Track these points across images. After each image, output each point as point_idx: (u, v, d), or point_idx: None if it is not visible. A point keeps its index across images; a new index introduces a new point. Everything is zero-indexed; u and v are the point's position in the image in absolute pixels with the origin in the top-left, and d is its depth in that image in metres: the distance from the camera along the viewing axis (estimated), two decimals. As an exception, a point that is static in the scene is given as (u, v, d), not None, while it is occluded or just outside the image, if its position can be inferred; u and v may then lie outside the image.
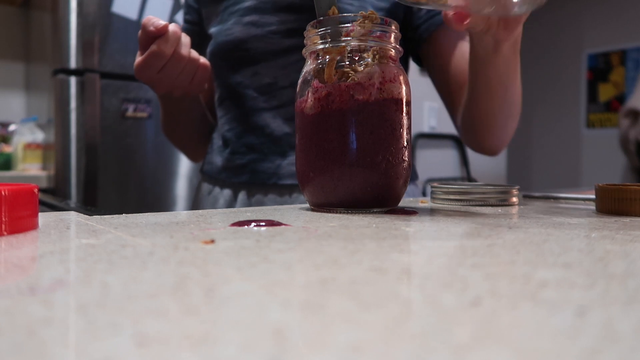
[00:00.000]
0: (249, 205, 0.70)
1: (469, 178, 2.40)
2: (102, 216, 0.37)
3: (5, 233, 0.28)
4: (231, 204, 0.72)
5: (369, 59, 0.41)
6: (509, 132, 0.69)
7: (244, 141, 0.72)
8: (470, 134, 0.69)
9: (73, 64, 1.44)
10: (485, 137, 0.68)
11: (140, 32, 0.60)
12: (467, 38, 0.63)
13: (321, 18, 0.42)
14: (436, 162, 2.29)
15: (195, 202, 0.81)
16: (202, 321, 0.14)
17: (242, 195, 0.71)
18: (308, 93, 0.42)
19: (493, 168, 2.55)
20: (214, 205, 0.74)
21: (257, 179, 0.69)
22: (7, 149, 1.74)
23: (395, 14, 0.70)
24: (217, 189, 0.75)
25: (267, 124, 0.70)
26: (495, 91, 0.61)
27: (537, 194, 0.62)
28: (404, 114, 0.42)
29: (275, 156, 0.69)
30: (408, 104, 0.43)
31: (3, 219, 0.28)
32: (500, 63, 0.57)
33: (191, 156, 0.91)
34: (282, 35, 0.68)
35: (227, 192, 0.73)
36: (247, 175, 0.70)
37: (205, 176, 0.79)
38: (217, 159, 0.75)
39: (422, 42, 0.72)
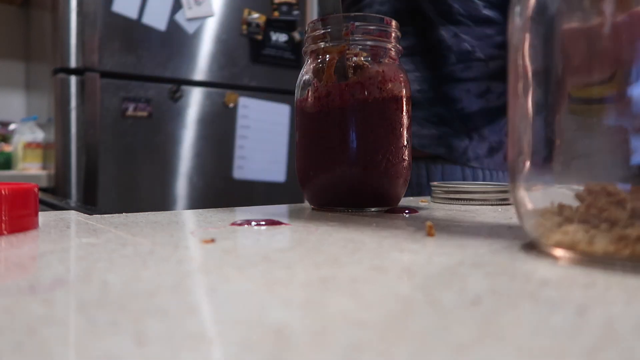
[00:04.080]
0: (443, 179, 0.66)
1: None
2: (102, 215, 0.37)
3: (5, 232, 0.28)
4: (420, 179, 0.67)
5: (369, 59, 0.41)
6: None
7: (436, 110, 0.67)
8: None
9: (73, 63, 1.44)
10: None
11: None
12: None
13: (324, 17, 0.42)
14: (436, 161, 2.29)
15: None
16: (202, 320, 0.14)
17: (437, 170, 0.66)
18: (308, 92, 0.42)
19: (493, 167, 2.55)
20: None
21: (452, 156, 0.66)
22: (7, 148, 1.75)
23: None
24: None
25: (460, 98, 0.66)
26: None
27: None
28: (404, 113, 0.42)
29: (463, 135, 0.67)
30: (408, 103, 0.43)
31: (3, 218, 0.28)
32: None
33: None
34: (483, 4, 0.66)
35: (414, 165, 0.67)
36: (443, 149, 0.66)
37: None
38: None
39: None
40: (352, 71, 0.41)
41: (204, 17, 1.62)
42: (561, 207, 0.23)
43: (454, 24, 0.67)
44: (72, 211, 0.40)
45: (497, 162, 0.69)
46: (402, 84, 0.42)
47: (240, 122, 1.70)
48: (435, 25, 0.66)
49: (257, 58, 1.74)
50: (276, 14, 1.77)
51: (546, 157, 0.23)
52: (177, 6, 1.58)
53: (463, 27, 0.66)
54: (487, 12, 0.66)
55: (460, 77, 0.67)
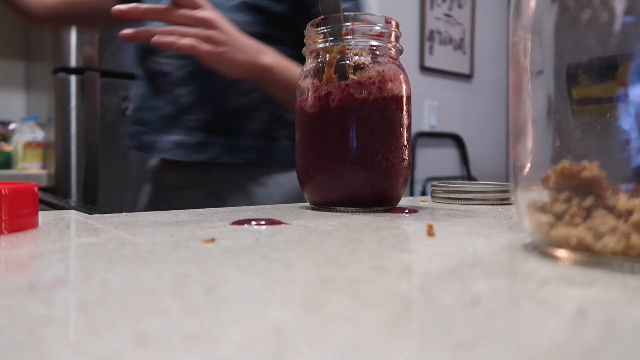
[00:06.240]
0: None
1: (469, 177, 2.40)
2: (102, 215, 0.37)
3: (5, 232, 0.28)
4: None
5: (369, 58, 0.41)
6: None
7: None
8: None
9: (73, 62, 1.44)
10: None
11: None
12: None
13: (324, 17, 0.42)
14: (436, 160, 2.29)
15: None
16: (202, 320, 0.14)
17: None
18: (308, 92, 0.42)
19: (493, 167, 2.55)
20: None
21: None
22: (7, 147, 1.74)
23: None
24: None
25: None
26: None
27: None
28: (404, 113, 0.42)
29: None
30: (408, 102, 0.43)
31: (3, 217, 0.28)
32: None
33: None
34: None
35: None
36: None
37: None
38: None
39: None
40: (352, 71, 0.41)
41: (204, 17, 1.61)
42: (543, 205, 0.23)
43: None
44: (72, 210, 0.40)
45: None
46: (402, 83, 0.42)
47: (240, 121, 1.70)
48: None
49: (257, 57, 1.73)
50: (276, 13, 1.77)
51: (547, 157, 0.23)
52: (177, 5, 1.58)
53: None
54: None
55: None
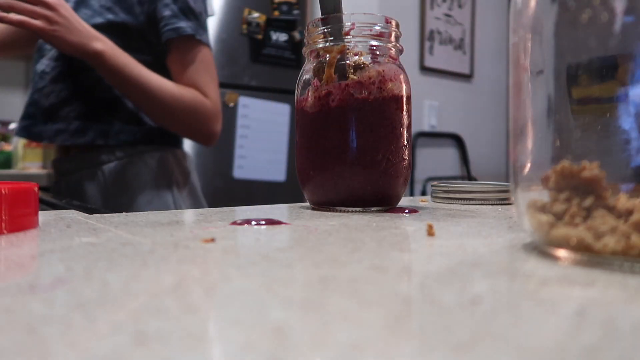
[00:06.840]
0: None
1: (469, 177, 2.40)
2: (102, 215, 0.37)
3: (5, 231, 0.28)
4: None
5: (369, 58, 0.41)
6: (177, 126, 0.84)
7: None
8: None
9: (73, 62, 1.44)
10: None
11: None
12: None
13: (324, 17, 0.42)
14: (436, 160, 2.29)
15: None
16: (202, 319, 0.14)
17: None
18: (308, 92, 0.42)
19: (493, 167, 2.55)
20: None
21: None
22: (7, 147, 1.74)
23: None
24: None
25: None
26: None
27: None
28: (404, 113, 0.42)
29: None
30: (408, 102, 0.43)
31: (3, 217, 0.28)
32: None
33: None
34: None
35: None
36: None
37: None
38: None
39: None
40: (352, 71, 0.41)
41: (204, 17, 1.62)
42: (543, 205, 0.23)
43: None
44: (72, 210, 0.40)
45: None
46: (402, 83, 0.42)
47: (240, 121, 1.70)
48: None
49: (257, 57, 1.74)
50: (276, 13, 1.78)
51: (547, 157, 0.23)
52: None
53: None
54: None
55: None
